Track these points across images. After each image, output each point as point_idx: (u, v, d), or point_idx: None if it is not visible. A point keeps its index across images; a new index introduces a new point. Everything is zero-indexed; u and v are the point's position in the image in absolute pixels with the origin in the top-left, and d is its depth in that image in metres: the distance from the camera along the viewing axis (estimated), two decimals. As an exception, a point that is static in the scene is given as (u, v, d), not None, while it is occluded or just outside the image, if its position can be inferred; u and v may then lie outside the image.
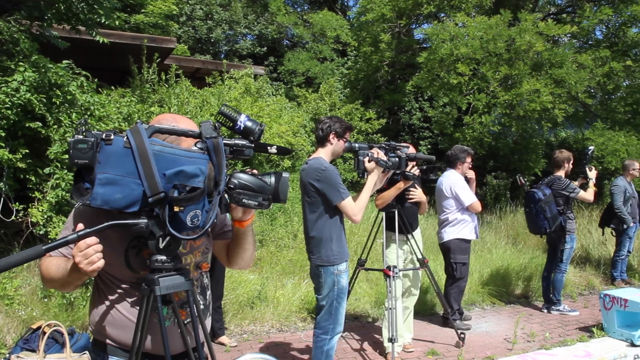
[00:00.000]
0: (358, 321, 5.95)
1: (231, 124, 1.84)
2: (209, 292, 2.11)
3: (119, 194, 1.62)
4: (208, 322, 2.11)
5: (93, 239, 1.62)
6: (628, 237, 7.80)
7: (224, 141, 1.78)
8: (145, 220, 1.69)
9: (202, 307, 2.01)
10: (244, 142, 1.85)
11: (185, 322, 1.86)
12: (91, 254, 1.60)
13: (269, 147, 1.89)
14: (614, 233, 7.96)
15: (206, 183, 1.67)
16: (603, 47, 11.77)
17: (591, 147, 6.69)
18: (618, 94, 12.65)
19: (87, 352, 4.03)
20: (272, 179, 1.85)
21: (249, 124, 1.84)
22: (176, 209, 1.64)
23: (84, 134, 1.62)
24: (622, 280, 7.92)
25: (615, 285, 7.69)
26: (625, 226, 7.68)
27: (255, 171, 1.88)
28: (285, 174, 1.86)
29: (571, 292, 7.31)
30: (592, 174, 6.26)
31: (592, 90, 12.44)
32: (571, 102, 11.61)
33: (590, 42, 13.12)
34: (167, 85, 8.14)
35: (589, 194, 6.22)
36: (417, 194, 4.88)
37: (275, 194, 1.85)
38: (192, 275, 1.98)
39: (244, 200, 1.78)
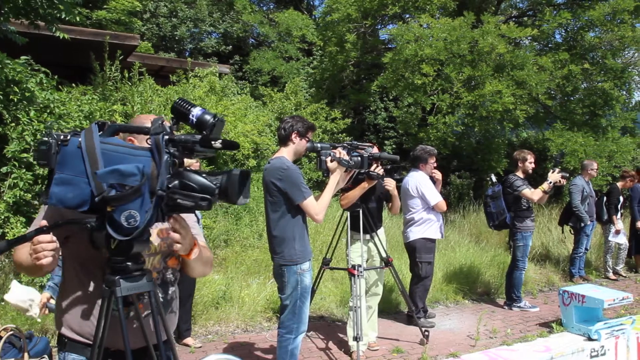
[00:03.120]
0: (323, 320, 5.96)
1: (186, 118, 1.77)
2: (172, 288, 2.10)
3: (70, 193, 1.64)
4: (171, 319, 2.10)
5: (46, 237, 1.67)
6: (585, 235, 8.03)
7: (174, 137, 1.72)
8: (94, 219, 1.68)
9: (161, 300, 1.98)
10: (189, 136, 1.74)
11: (144, 314, 1.87)
12: (39, 250, 1.66)
13: (213, 142, 1.76)
14: (572, 231, 8.19)
15: (143, 182, 1.63)
16: (562, 50, 12.04)
17: (562, 151, 6.76)
18: (576, 96, 12.98)
19: (46, 356, 3.93)
20: (224, 179, 1.74)
21: (203, 116, 1.74)
22: (109, 208, 1.63)
23: (46, 135, 1.66)
24: (580, 276, 8.14)
25: (573, 282, 7.89)
26: (582, 224, 7.90)
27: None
28: (235, 172, 1.74)
29: (532, 288, 7.48)
30: (552, 176, 6.24)
31: (552, 92, 12.72)
32: (532, 103, 11.85)
33: (550, 45, 13.41)
34: (130, 83, 8.00)
35: (533, 194, 6.23)
36: (392, 184, 4.91)
37: (224, 193, 1.75)
38: (154, 267, 1.99)
39: (178, 200, 1.70)
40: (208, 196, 1.69)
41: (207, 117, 1.74)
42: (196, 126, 1.74)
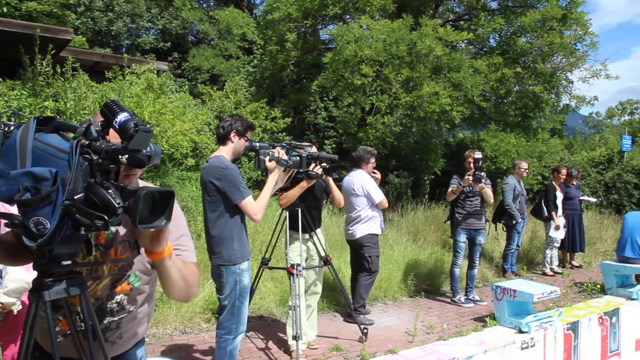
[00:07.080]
0: (263, 320, 5.93)
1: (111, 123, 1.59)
2: (110, 319, 1.96)
3: (3, 186, 1.56)
4: (107, 348, 1.89)
5: None
6: (517, 231, 8.35)
7: (96, 144, 1.59)
8: (20, 217, 1.58)
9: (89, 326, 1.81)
10: (109, 145, 1.57)
11: (77, 328, 1.77)
12: None
13: (120, 156, 1.54)
14: (504, 228, 8.49)
15: (54, 188, 1.51)
16: (496, 54, 12.44)
17: (478, 154, 6.67)
18: (509, 99, 13.47)
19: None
20: (132, 198, 1.55)
21: (125, 124, 1.54)
22: (20, 212, 1.55)
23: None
24: (512, 272, 8.45)
25: (506, 277, 8.17)
26: (514, 222, 8.21)
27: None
28: (141, 192, 1.54)
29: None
30: (464, 179, 6.51)
31: (487, 94, 13.13)
32: (468, 104, 12.17)
33: (485, 49, 13.83)
34: (62, 79, 7.68)
35: (448, 193, 6.73)
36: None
37: (129, 214, 1.56)
38: (95, 294, 1.89)
39: (76, 215, 1.53)
40: (105, 216, 1.50)
41: (129, 125, 1.54)
42: (119, 133, 1.56)
